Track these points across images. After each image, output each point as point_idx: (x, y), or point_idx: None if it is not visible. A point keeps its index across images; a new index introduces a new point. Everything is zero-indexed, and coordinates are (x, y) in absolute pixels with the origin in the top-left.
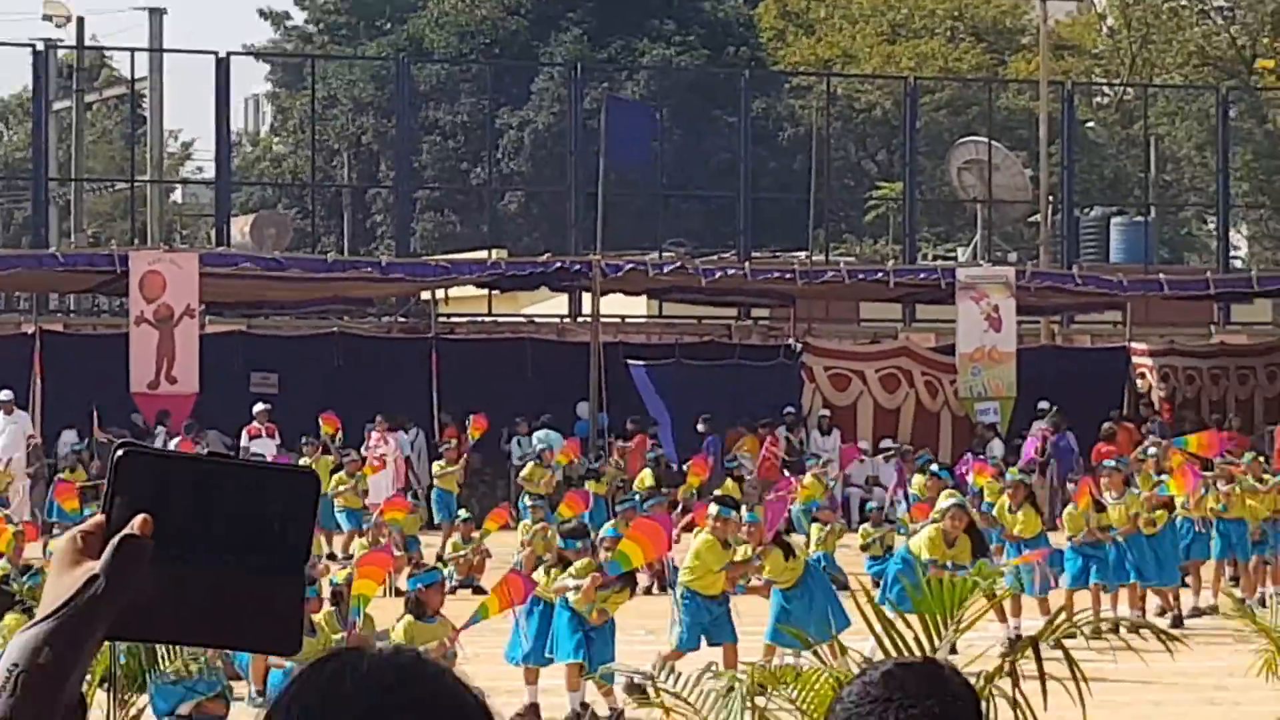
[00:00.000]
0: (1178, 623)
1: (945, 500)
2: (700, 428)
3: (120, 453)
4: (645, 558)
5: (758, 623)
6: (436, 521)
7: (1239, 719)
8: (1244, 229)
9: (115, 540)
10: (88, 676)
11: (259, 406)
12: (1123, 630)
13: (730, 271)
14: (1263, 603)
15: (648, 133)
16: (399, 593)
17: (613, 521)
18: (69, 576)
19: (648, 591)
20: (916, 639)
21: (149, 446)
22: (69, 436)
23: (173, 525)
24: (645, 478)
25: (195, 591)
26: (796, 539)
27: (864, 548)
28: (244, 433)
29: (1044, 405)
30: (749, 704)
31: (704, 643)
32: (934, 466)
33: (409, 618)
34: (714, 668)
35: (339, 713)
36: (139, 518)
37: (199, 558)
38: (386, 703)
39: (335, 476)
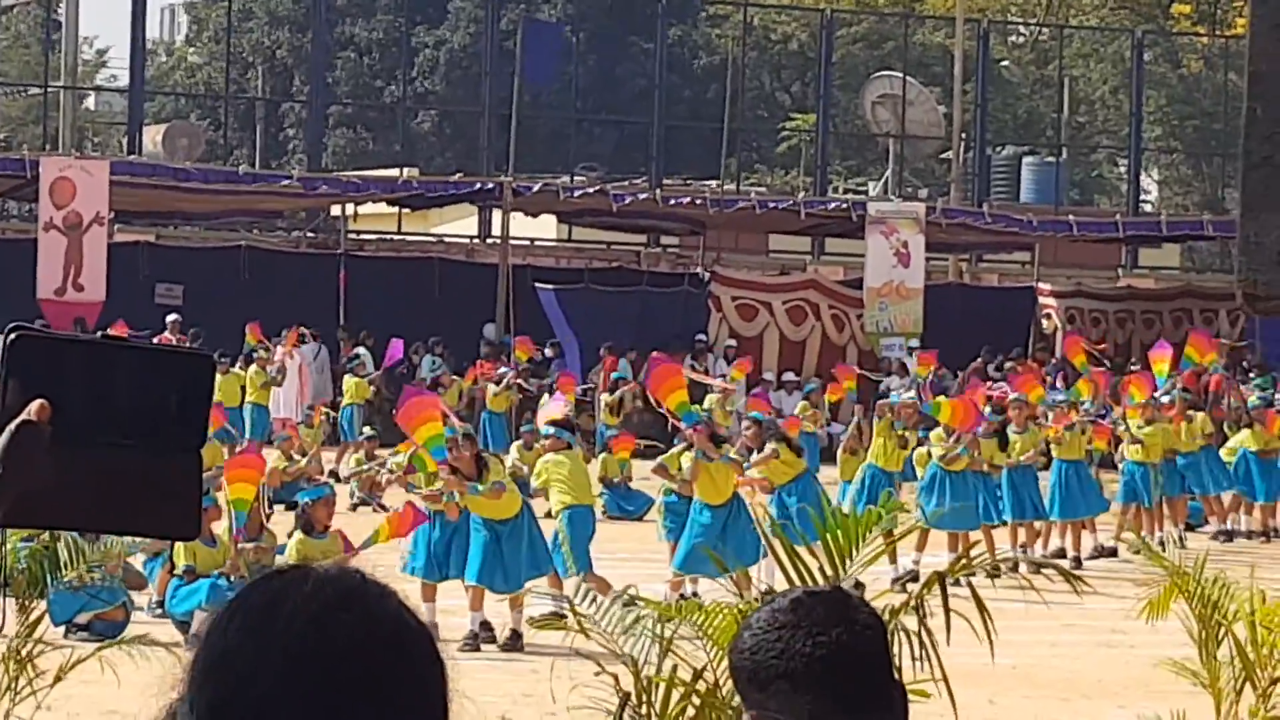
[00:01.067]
0: (1077, 564)
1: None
2: (601, 352)
3: (13, 335)
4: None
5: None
6: (344, 439)
7: (1132, 661)
8: (1155, 174)
9: (11, 426)
10: None
11: (171, 317)
12: (1023, 569)
13: (641, 197)
14: (1161, 544)
15: (560, 55)
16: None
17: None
18: None
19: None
20: (821, 569)
21: (41, 329)
22: None
23: (69, 408)
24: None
25: (93, 476)
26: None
27: None
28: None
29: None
30: (656, 633)
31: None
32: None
33: (300, 534)
34: (630, 591)
35: (278, 632)
36: (36, 403)
37: (96, 441)
38: (327, 624)
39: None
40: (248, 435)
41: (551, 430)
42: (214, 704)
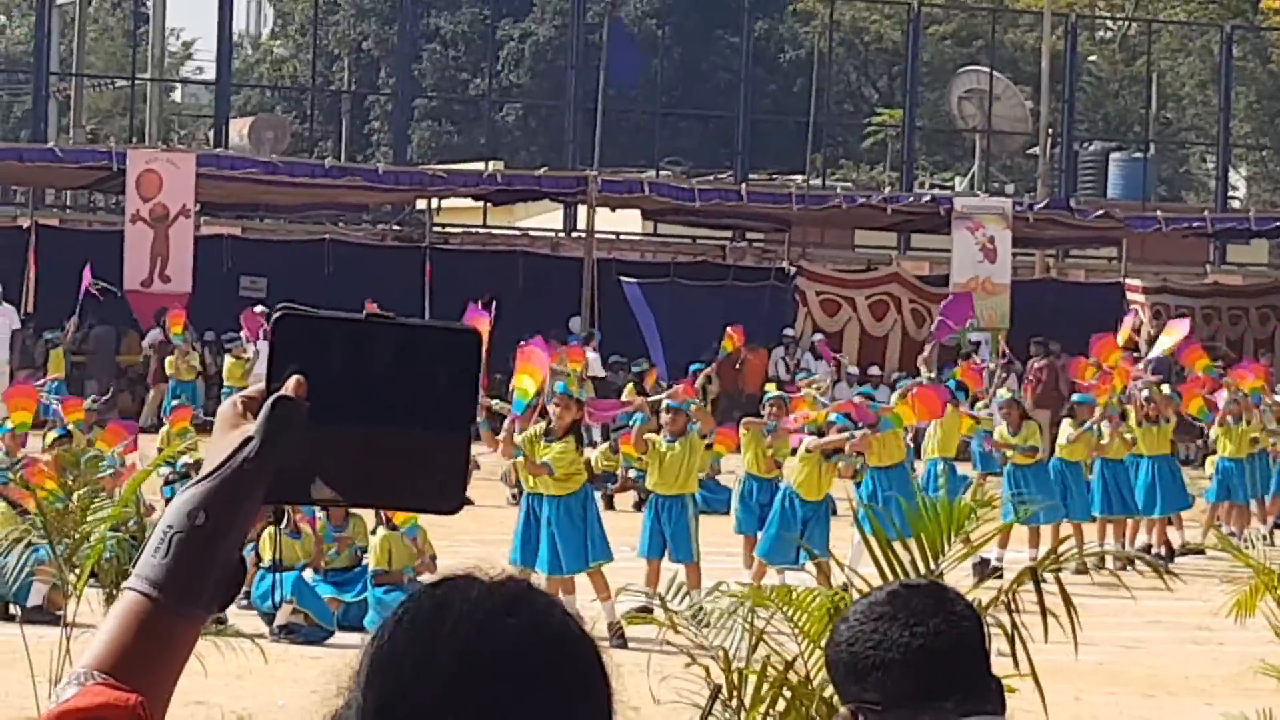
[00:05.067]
0: (1166, 559)
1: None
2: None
3: (278, 315)
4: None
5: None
6: None
7: (1220, 659)
8: (1243, 170)
9: (269, 401)
10: (76, 570)
11: (259, 309)
12: (1110, 563)
13: (726, 196)
14: (1250, 543)
15: (641, 60)
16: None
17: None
18: (226, 439)
19: (636, 508)
20: (913, 562)
21: (307, 308)
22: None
23: (331, 385)
24: (629, 390)
25: (356, 451)
26: (790, 464)
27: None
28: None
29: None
30: (748, 625)
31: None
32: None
33: (384, 529)
34: (723, 587)
35: (444, 635)
36: (293, 379)
37: (359, 417)
38: (494, 628)
39: None
40: None
41: (678, 405)
42: (379, 708)
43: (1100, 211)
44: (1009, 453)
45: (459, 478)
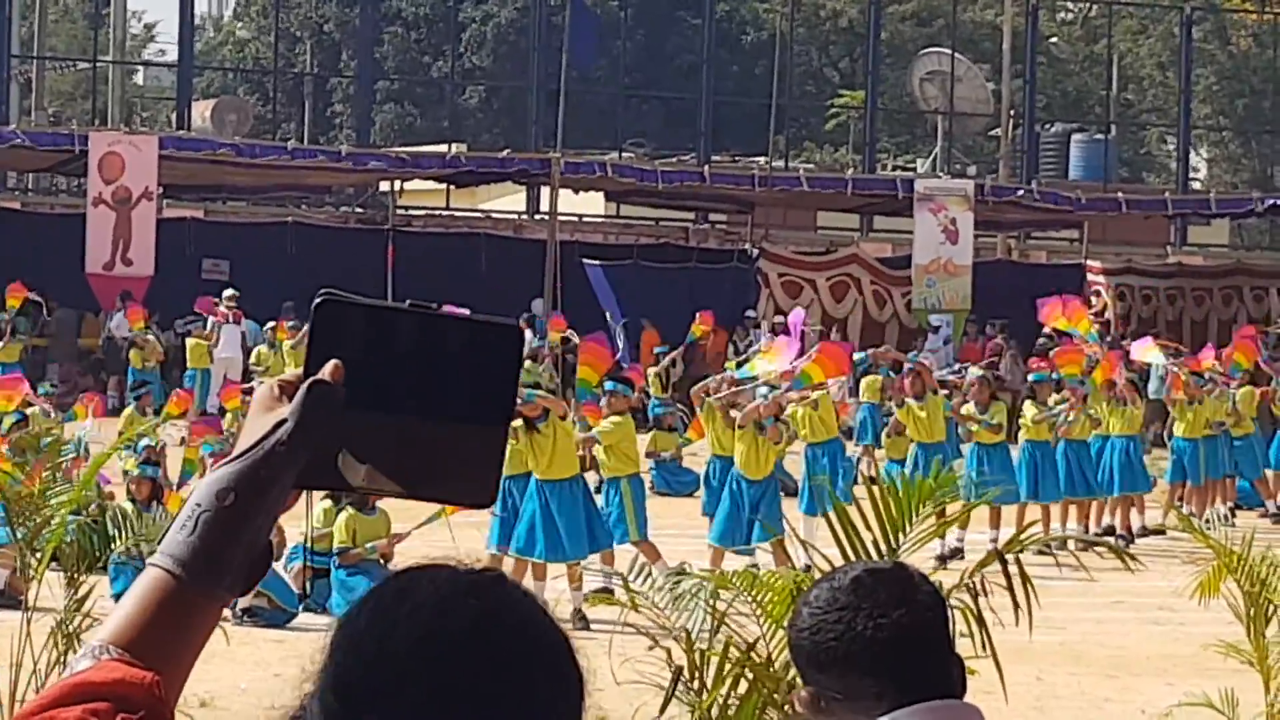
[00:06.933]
0: (1127, 541)
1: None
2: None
3: (320, 300)
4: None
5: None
6: None
7: (1181, 639)
8: (1204, 151)
9: (305, 385)
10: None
11: (228, 292)
12: (1072, 546)
13: (688, 177)
14: (1208, 523)
15: (600, 40)
16: None
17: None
18: (260, 421)
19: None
20: (875, 543)
21: (347, 295)
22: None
23: (369, 373)
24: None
25: (391, 440)
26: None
27: None
28: (209, 319)
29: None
30: (710, 607)
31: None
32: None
33: (350, 509)
34: (687, 568)
35: (403, 615)
36: (330, 364)
37: (395, 406)
38: (454, 609)
39: None
40: None
41: (618, 387)
42: (338, 685)
43: (1062, 193)
44: (974, 428)
45: (493, 471)
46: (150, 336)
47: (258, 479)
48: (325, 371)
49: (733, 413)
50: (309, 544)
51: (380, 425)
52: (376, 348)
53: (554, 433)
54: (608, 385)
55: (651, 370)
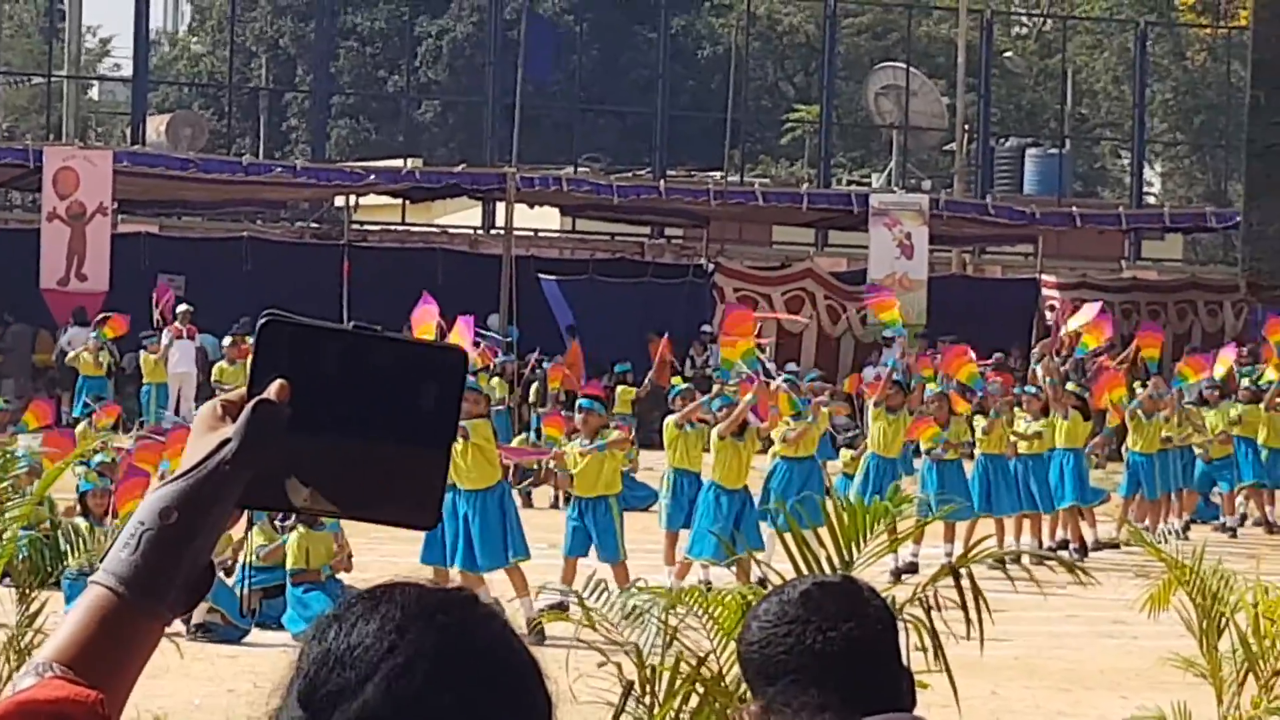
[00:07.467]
0: (1080, 554)
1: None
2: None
3: (264, 320)
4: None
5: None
6: None
7: (1134, 652)
8: (1158, 166)
9: (250, 404)
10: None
11: (182, 308)
12: (1026, 560)
13: (644, 192)
14: (1163, 537)
15: (557, 53)
16: None
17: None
18: (204, 440)
19: (554, 506)
20: (829, 559)
21: (291, 316)
22: None
23: (314, 394)
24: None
25: (333, 461)
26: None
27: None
28: (164, 332)
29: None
30: (663, 622)
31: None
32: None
33: (301, 527)
34: (640, 583)
35: (370, 631)
36: (276, 383)
37: (338, 427)
38: (415, 623)
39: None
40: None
41: (594, 405)
42: (302, 695)
43: (1016, 207)
44: (1019, 441)
45: (436, 493)
46: (97, 341)
47: (201, 498)
48: (271, 391)
49: (716, 429)
50: (249, 563)
51: (323, 446)
52: (320, 369)
53: (474, 442)
54: (582, 403)
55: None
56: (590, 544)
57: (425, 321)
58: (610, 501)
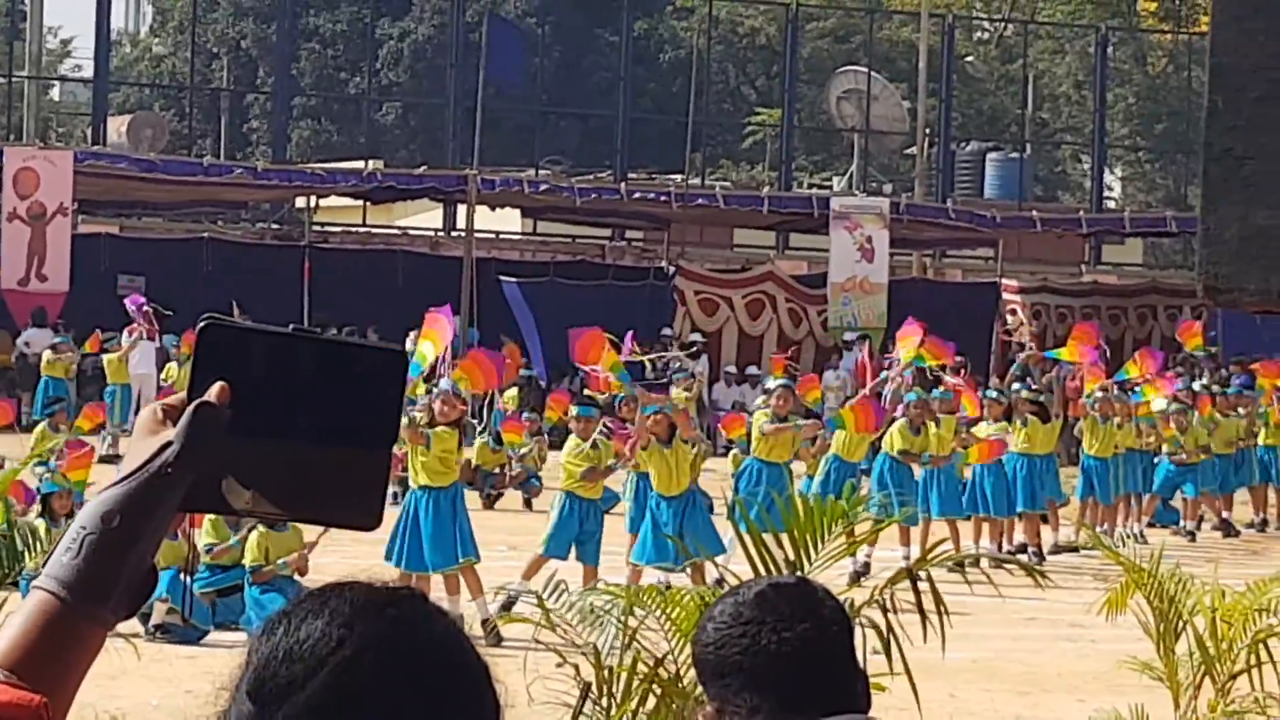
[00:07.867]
0: (1039, 558)
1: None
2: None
3: (203, 324)
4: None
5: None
6: None
7: (1092, 655)
8: (1119, 170)
9: (191, 408)
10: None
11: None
12: (984, 564)
13: (605, 194)
14: (1121, 540)
15: (523, 55)
16: None
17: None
18: (145, 444)
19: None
20: (787, 559)
21: (232, 319)
22: None
23: (255, 397)
24: (511, 397)
25: (275, 464)
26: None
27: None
28: (125, 332)
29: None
30: (621, 623)
31: (572, 555)
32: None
33: (261, 527)
34: (600, 584)
35: (316, 629)
36: (216, 385)
37: (279, 430)
38: (361, 621)
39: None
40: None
41: (591, 412)
42: (251, 688)
43: (977, 211)
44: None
45: (378, 494)
46: (67, 344)
47: (143, 502)
48: (211, 394)
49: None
50: (189, 567)
51: (264, 449)
52: (260, 372)
53: (435, 453)
54: (577, 410)
55: (514, 389)
56: (570, 549)
57: (434, 328)
58: (599, 504)
